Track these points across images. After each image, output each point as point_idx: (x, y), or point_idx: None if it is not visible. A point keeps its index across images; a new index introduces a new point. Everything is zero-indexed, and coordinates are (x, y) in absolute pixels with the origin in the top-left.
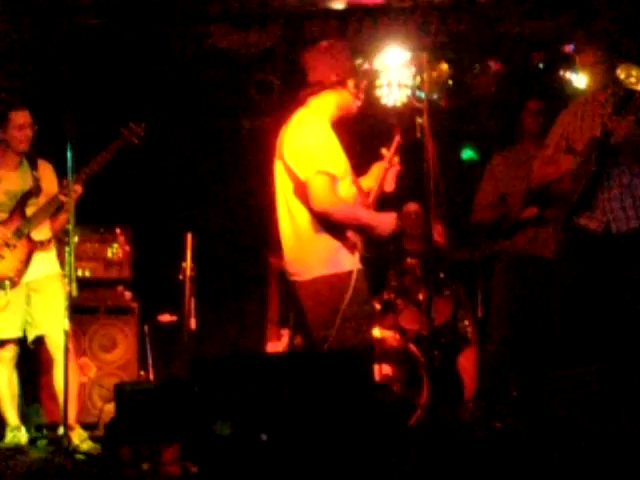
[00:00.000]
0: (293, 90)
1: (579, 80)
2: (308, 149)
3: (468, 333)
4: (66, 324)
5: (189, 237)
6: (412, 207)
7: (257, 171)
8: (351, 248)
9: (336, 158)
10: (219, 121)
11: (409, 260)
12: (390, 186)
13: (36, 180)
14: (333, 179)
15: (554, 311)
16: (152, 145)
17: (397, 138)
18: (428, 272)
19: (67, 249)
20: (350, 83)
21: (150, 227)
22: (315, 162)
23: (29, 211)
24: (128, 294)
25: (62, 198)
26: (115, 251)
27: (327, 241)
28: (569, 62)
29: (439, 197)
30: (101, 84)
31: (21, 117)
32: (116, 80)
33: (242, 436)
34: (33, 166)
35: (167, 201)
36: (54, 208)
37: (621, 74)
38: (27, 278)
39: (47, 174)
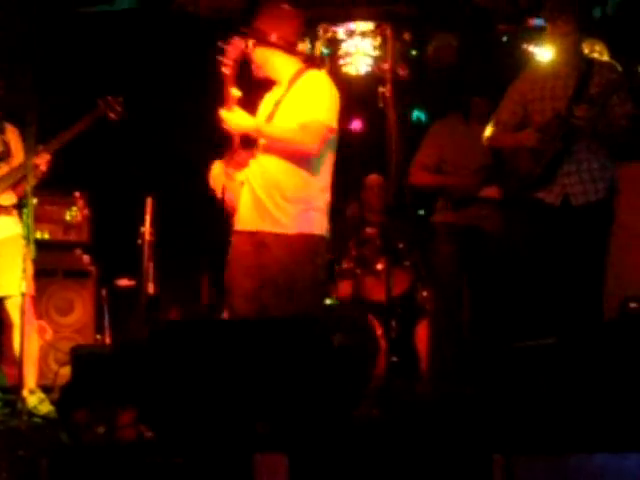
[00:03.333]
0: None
1: (542, 53)
2: None
3: (426, 304)
4: (23, 286)
5: (149, 201)
6: (373, 178)
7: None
8: None
9: None
10: (181, 83)
11: (369, 230)
12: None
13: (5, 144)
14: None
15: (508, 285)
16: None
17: None
18: (387, 242)
19: (25, 211)
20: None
21: (109, 191)
22: None
23: None
24: (86, 257)
25: (38, 162)
26: (74, 214)
27: None
28: (533, 35)
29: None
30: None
31: None
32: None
33: (198, 401)
34: (0, 129)
35: (127, 164)
36: (22, 174)
37: (585, 48)
38: None
39: (14, 138)
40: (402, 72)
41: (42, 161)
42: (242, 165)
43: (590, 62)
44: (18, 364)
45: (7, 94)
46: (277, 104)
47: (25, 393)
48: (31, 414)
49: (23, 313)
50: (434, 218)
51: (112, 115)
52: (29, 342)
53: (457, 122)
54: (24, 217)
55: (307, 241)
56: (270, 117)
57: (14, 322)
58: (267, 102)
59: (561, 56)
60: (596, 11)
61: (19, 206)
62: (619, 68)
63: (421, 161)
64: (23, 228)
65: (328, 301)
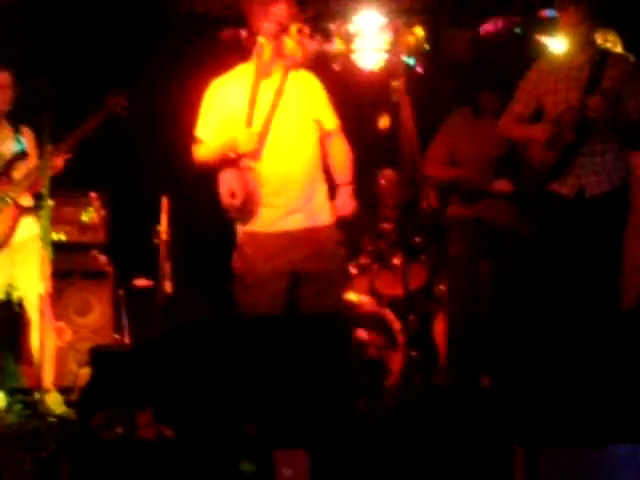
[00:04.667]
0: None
1: (555, 44)
2: None
3: (444, 298)
4: (41, 287)
5: (165, 200)
6: (387, 173)
7: None
8: (231, 219)
9: (204, 120)
10: (194, 84)
11: (384, 225)
12: None
13: (23, 144)
14: (196, 140)
15: (524, 279)
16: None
17: None
18: (403, 237)
19: (42, 213)
20: (293, 29)
21: (125, 191)
22: None
23: (17, 175)
24: (103, 258)
25: (56, 163)
26: (90, 215)
27: None
28: (546, 27)
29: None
30: (78, 49)
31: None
32: (93, 45)
33: (218, 399)
34: (17, 130)
35: (143, 164)
36: (38, 175)
37: (598, 38)
38: (15, 239)
39: (30, 139)
40: (417, 67)
41: (57, 161)
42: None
43: (604, 53)
44: (36, 364)
45: (23, 96)
46: (278, 94)
47: (41, 393)
48: (50, 415)
49: (41, 314)
50: (447, 211)
51: (119, 110)
52: (46, 342)
53: (468, 115)
54: (41, 219)
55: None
56: (274, 107)
57: (33, 322)
58: (263, 89)
59: (574, 47)
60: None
61: (36, 207)
62: (632, 59)
63: (433, 154)
64: (40, 230)
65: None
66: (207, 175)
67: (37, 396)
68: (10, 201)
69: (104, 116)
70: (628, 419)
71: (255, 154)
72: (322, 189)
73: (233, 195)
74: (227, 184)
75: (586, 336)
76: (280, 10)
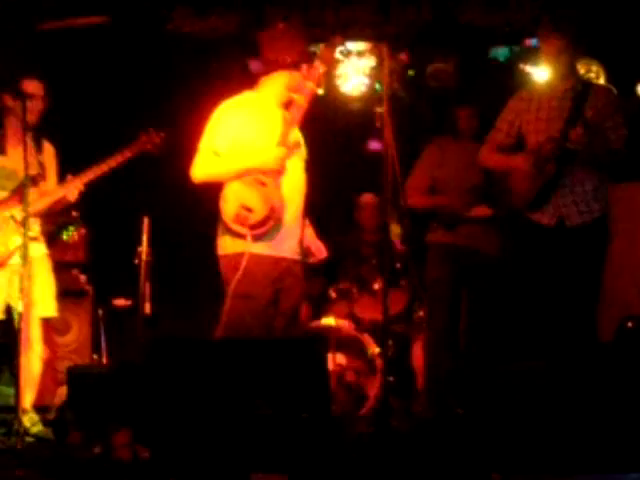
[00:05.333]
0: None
1: (539, 74)
2: (205, 129)
3: (423, 324)
4: (20, 306)
5: (146, 220)
6: (368, 198)
7: None
8: (236, 234)
9: (222, 134)
10: (177, 103)
11: (365, 249)
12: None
13: (41, 165)
14: (209, 153)
15: (502, 306)
16: (111, 127)
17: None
18: (384, 262)
19: (22, 231)
20: (304, 66)
21: (106, 210)
22: (203, 139)
23: (30, 197)
24: (83, 277)
25: (68, 198)
26: (70, 234)
27: (219, 223)
28: (529, 55)
29: (396, 188)
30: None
31: (31, 86)
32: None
33: (196, 421)
34: (38, 148)
35: (124, 184)
36: (52, 202)
37: (581, 69)
38: (13, 260)
39: (49, 158)
40: (400, 92)
41: (72, 193)
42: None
43: (586, 84)
44: (15, 384)
45: (48, 109)
46: (288, 123)
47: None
48: (26, 434)
49: (19, 332)
50: (428, 238)
51: (150, 148)
52: (33, 363)
53: (447, 142)
54: (22, 237)
55: None
56: (284, 137)
57: (23, 343)
58: (274, 120)
59: (555, 76)
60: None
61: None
62: (615, 91)
63: (413, 184)
64: (20, 247)
65: (325, 321)
66: (187, 195)
67: (16, 415)
68: (14, 223)
69: (134, 153)
70: (600, 450)
71: (280, 172)
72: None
73: (249, 210)
74: (240, 199)
75: (563, 366)
76: (305, 45)
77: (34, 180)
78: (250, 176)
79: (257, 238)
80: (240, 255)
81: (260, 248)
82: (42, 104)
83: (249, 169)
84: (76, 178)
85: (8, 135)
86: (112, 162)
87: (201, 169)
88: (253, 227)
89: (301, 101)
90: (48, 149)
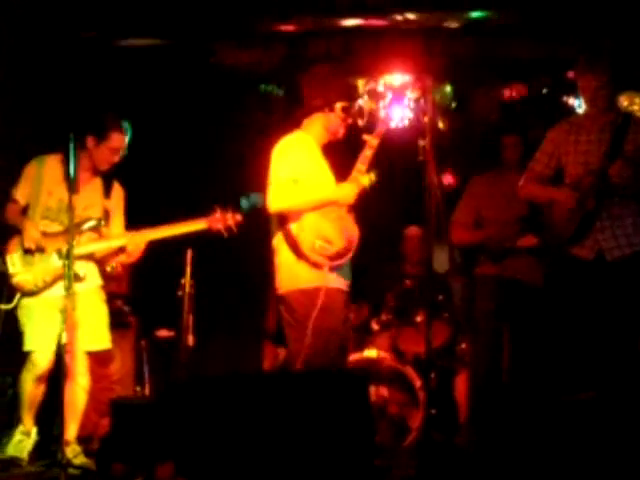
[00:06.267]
0: (296, 109)
1: (581, 105)
2: (273, 162)
3: (465, 356)
4: (63, 337)
5: (189, 253)
6: (413, 230)
7: (260, 188)
8: (314, 264)
9: (298, 164)
10: (223, 138)
11: (408, 282)
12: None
13: (105, 212)
14: (288, 182)
15: (549, 339)
16: (155, 158)
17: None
18: (427, 294)
19: (66, 263)
20: (338, 106)
21: (149, 242)
22: (276, 171)
23: (84, 239)
24: (126, 309)
25: (129, 251)
26: (114, 265)
27: (287, 256)
28: (573, 88)
29: (441, 220)
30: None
31: (119, 141)
32: (118, 94)
33: (238, 454)
34: (107, 194)
35: (168, 216)
36: (109, 250)
37: (624, 101)
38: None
39: (117, 203)
40: (442, 125)
41: (134, 247)
42: None
43: (627, 117)
44: (60, 414)
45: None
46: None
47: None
48: (69, 465)
49: (63, 364)
50: (476, 271)
51: (221, 228)
52: (77, 396)
53: (492, 176)
54: (65, 270)
55: None
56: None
57: (72, 376)
58: (323, 163)
59: (593, 110)
60: None
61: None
62: None
63: (459, 220)
64: (64, 280)
65: (368, 353)
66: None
67: (60, 446)
68: (60, 257)
69: (203, 229)
70: None
71: (350, 206)
72: None
73: (329, 242)
74: (318, 230)
75: (606, 400)
76: (344, 85)
77: (94, 226)
78: (327, 208)
79: (332, 269)
80: (318, 289)
81: (333, 281)
82: (120, 157)
83: (329, 199)
84: (141, 233)
85: (81, 175)
86: (181, 229)
87: (281, 198)
88: (332, 258)
89: (373, 142)
90: (117, 190)
